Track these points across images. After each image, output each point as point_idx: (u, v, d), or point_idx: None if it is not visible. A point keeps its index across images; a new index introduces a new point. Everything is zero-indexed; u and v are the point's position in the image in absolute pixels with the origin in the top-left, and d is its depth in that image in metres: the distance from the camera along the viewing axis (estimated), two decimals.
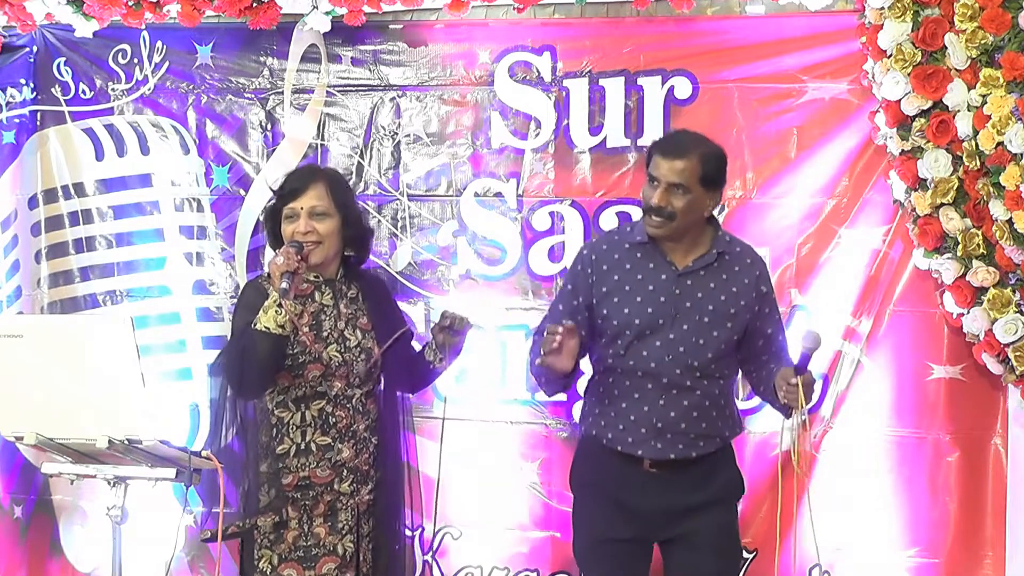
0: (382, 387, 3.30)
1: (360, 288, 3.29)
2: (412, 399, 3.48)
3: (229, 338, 3.25)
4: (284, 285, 3.00)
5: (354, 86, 4.26)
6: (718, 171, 3.10)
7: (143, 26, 4.25)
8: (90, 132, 4.43)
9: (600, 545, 3.21)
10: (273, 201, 3.25)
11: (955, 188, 3.57)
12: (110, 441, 2.81)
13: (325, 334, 3.15)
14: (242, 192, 4.33)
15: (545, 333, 3.02)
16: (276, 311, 3.00)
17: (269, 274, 3.14)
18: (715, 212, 3.21)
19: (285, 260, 3.02)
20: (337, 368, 3.14)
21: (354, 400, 3.17)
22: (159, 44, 4.35)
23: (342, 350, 3.15)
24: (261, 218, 3.39)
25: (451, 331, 3.21)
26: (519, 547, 4.13)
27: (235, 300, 4.12)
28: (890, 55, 3.62)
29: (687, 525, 3.14)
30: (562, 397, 3.98)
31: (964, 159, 3.54)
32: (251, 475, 3.19)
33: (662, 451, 3.11)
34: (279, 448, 3.14)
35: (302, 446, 3.13)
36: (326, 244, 3.16)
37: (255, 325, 3.02)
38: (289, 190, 3.19)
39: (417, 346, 3.40)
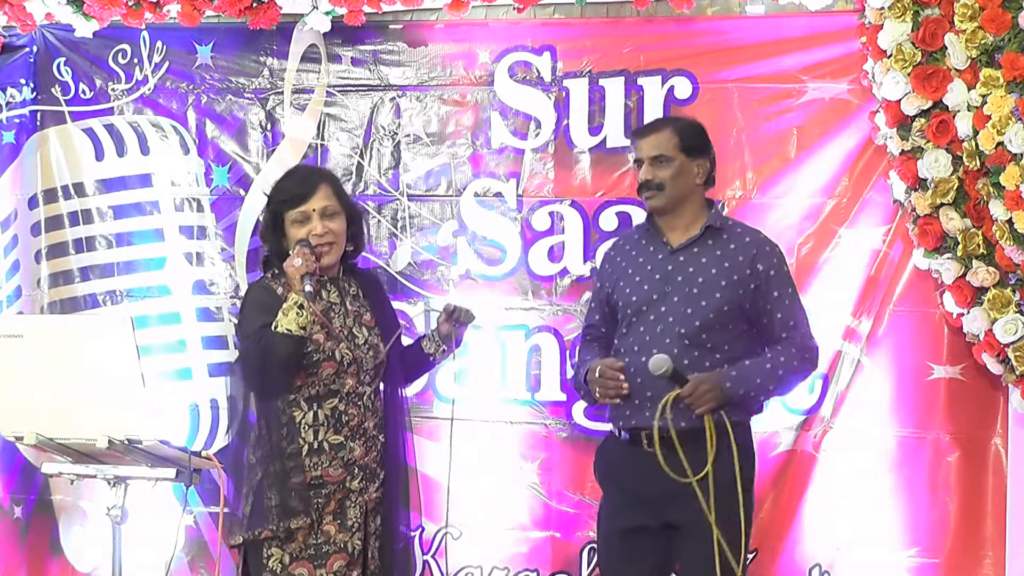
0: (383, 385, 3.30)
1: (359, 285, 3.30)
2: (412, 399, 3.48)
3: (243, 340, 3.20)
4: (308, 288, 3.01)
5: (354, 86, 4.26)
6: (697, 138, 3.26)
7: (143, 26, 4.25)
8: (90, 132, 4.43)
9: (610, 537, 3.27)
10: (275, 206, 3.21)
11: (955, 188, 3.57)
12: (110, 441, 2.82)
13: (336, 332, 3.16)
14: (242, 192, 4.33)
15: (602, 377, 3.14)
16: (298, 313, 3.00)
17: (274, 274, 3.14)
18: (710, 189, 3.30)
19: (304, 262, 3.02)
20: (348, 365, 3.14)
21: (364, 397, 3.18)
22: (159, 44, 4.35)
23: (352, 347, 3.16)
24: (261, 222, 3.38)
25: (456, 323, 3.27)
26: (519, 547, 4.13)
27: (235, 300, 4.12)
28: (890, 55, 3.62)
29: (689, 511, 3.07)
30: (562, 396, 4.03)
31: (964, 159, 3.54)
32: (261, 474, 3.16)
33: (648, 420, 3.12)
34: (291, 448, 3.13)
35: (314, 445, 3.12)
36: (339, 243, 3.18)
37: (275, 328, 3.01)
38: (297, 194, 3.16)
39: (406, 341, 3.43)
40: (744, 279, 3.17)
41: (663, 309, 3.17)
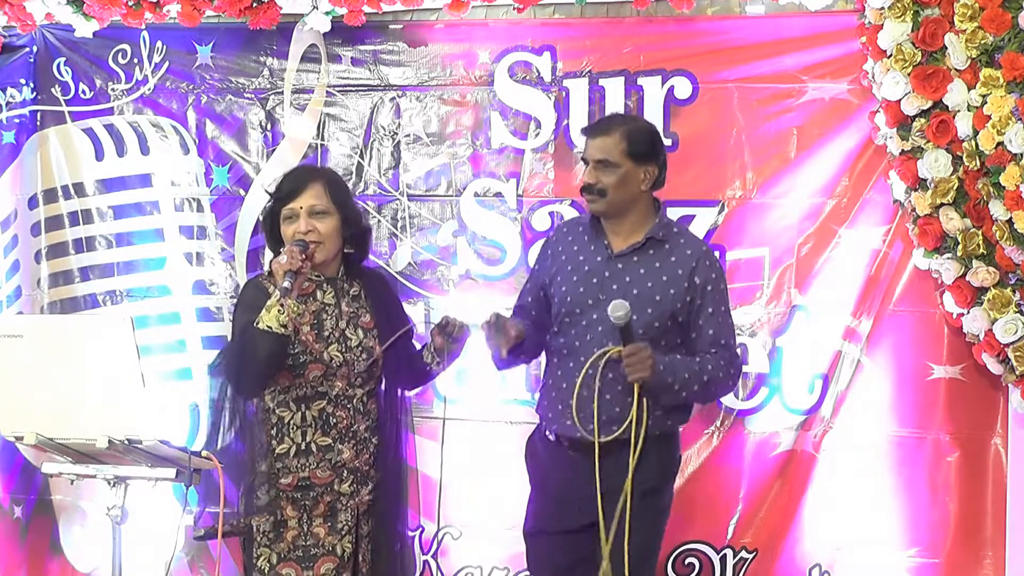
0: (383, 386, 3.30)
1: (363, 285, 3.28)
2: (412, 399, 3.48)
3: (230, 336, 3.24)
4: (286, 284, 2.99)
5: (354, 86, 4.26)
6: (647, 144, 3.21)
7: (143, 26, 4.25)
8: (90, 132, 4.43)
9: (533, 537, 3.29)
10: (271, 203, 3.24)
11: (955, 188, 3.57)
12: (110, 441, 2.81)
13: (326, 334, 3.15)
14: (242, 192, 4.33)
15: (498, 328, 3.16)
16: (279, 310, 2.99)
17: (270, 272, 3.14)
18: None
19: (289, 259, 3.02)
20: (338, 368, 3.13)
21: (355, 400, 3.17)
22: (159, 44, 4.35)
23: (343, 350, 3.15)
24: (261, 219, 3.39)
25: (449, 337, 3.21)
26: (519, 547, 4.09)
27: (235, 300, 4.12)
28: (890, 55, 3.62)
29: (607, 512, 3.09)
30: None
31: (964, 159, 3.54)
32: (251, 474, 3.18)
33: (571, 429, 3.13)
34: (279, 448, 3.13)
35: (302, 446, 3.13)
36: (327, 243, 3.15)
37: (257, 324, 3.01)
38: (287, 191, 3.18)
39: (418, 345, 3.40)
40: (680, 292, 3.15)
41: (595, 316, 3.13)
